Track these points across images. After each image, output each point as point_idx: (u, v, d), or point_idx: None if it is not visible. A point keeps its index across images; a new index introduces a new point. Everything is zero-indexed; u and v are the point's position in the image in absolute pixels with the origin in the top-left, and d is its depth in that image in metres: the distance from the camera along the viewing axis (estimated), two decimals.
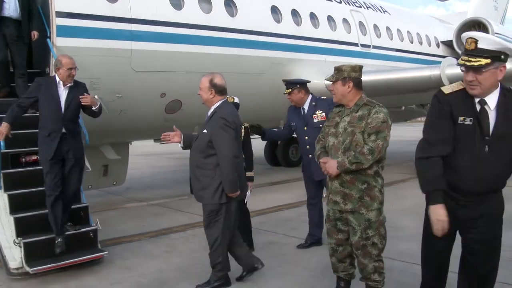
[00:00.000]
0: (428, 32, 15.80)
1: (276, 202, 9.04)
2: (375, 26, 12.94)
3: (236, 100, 5.84)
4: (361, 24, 12.40)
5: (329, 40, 11.07)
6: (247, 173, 6.06)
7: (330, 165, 3.80)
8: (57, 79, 5.28)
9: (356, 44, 12.02)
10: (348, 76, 3.90)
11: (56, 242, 5.12)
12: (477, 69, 2.84)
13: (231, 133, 4.40)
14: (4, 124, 5.13)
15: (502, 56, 2.83)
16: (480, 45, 2.82)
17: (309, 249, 5.95)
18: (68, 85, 5.31)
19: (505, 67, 2.88)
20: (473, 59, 2.83)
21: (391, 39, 13.55)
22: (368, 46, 12.45)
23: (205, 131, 4.46)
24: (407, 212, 7.60)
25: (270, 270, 5.19)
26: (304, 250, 5.93)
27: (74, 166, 5.32)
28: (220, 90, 4.55)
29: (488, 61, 2.81)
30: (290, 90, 5.88)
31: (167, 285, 4.88)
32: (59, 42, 6.81)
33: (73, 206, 5.56)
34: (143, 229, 7.25)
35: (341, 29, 11.69)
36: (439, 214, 3.00)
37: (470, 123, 2.94)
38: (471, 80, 2.89)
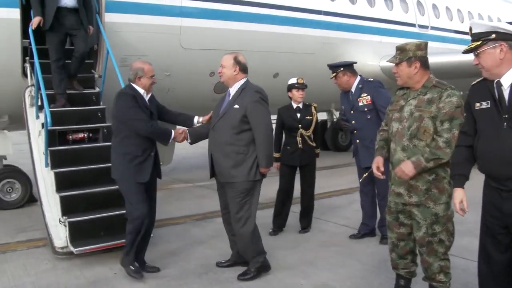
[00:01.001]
0: (490, 13, 14.87)
1: (325, 188, 8.66)
2: (434, 6, 12.23)
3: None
4: (419, 3, 11.73)
5: (385, 20, 10.52)
6: (315, 151, 6.10)
7: (406, 167, 3.38)
8: (140, 89, 4.54)
9: (413, 25, 11.40)
10: (414, 55, 3.48)
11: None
12: (475, 53, 2.95)
13: (267, 107, 4.35)
14: None
15: (493, 36, 2.85)
16: (474, 31, 2.94)
17: (362, 240, 5.61)
18: (149, 95, 4.67)
19: (503, 45, 2.85)
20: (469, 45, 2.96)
21: (451, 20, 12.78)
22: (426, 27, 11.79)
23: (236, 106, 4.31)
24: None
25: (320, 260, 4.91)
26: (357, 241, 5.59)
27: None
28: (244, 68, 4.46)
29: (478, 43, 2.90)
30: (334, 74, 5.64)
31: (213, 271, 4.68)
32: (107, 18, 6.67)
33: (117, 187, 5.42)
34: (188, 211, 7.11)
35: (398, 9, 11.09)
36: (455, 196, 3.06)
37: (488, 106, 2.93)
38: (476, 64, 2.99)
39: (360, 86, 5.55)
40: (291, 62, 9.06)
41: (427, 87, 3.49)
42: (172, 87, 7.80)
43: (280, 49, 8.84)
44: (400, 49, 3.56)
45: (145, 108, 4.50)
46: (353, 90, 5.59)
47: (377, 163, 3.73)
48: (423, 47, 3.54)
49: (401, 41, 10.93)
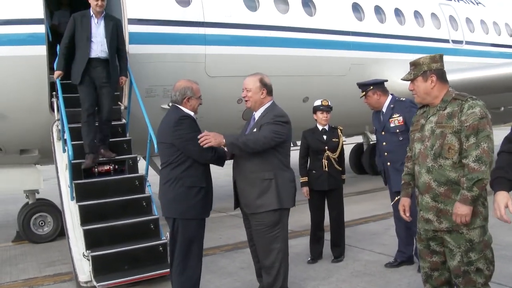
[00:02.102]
0: None
1: (362, 214, 8.39)
2: (468, 20, 11.86)
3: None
4: (451, 18, 11.41)
5: (417, 37, 10.24)
6: (342, 176, 5.88)
7: (458, 210, 3.04)
8: (189, 112, 4.13)
9: (446, 41, 11.06)
10: (429, 69, 3.25)
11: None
12: None
13: (281, 127, 3.99)
14: None
15: None
16: None
17: (399, 269, 5.27)
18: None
19: None
20: None
21: (487, 33, 12.35)
22: (461, 42, 11.42)
23: (255, 130, 4.06)
24: None
25: None
26: (393, 270, 5.27)
27: None
28: (270, 90, 4.20)
29: None
30: (364, 92, 5.41)
31: None
32: (132, 50, 6.70)
33: (143, 218, 5.34)
34: (219, 242, 6.95)
35: (430, 25, 10.80)
36: (498, 200, 2.80)
37: None
38: None
39: (391, 106, 5.31)
40: (320, 85, 8.89)
41: (446, 101, 3.23)
42: (200, 115, 7.69)
43: (308, 73, 8.69)
44: (414, 64, 3.33)
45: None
46: (384, 110, 5.36)
47: (403, 205, 3.49)
48: (438, 59, 3.31)
49: None
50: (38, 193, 7.72)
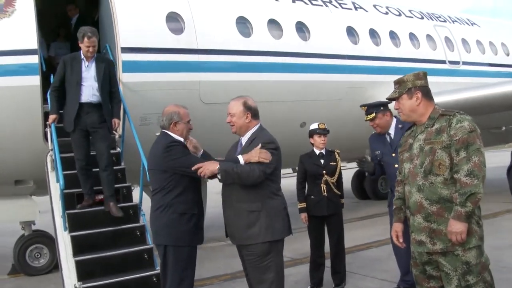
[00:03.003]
0: None
1: (363, 239, 8.24)
2: (464, 41, 11.89)
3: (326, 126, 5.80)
4: (447, 39, 11.44)
5: (413, 59, 10.24)
6: (341, 200, 5.78)
7: (453, 227, 2.94)
8: (177, 137, 4.04)
9: (443, 62, 11.06)
10: (413, 86, 3.21)
11: None
12: None
13: (271, 155, 3.77)
14: None
15: None
16: None
17: None
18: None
19: None
20: None
21: (483, 53, 12.37)
22: (457, 63, 11.42)
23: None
24: None
25: None
26: None
27: None
28: (255, 113, 3.97)
29: None
30: (373, 114, 5.17)
31: None
32: (125, 78, 6.71)
33: (137, 248, 5.24)
34: (217, 272, 6.81)
35: (425, 46, 10.83)
36: None
37: None
38: None
39: (400, 126, 5.15)
40: (317, 110, 8.85)
41: (433, 118, 3.18)
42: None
43: (305, 98, 8.66)
44: (398, 82, 3.30)
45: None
46: (392, 131, 5.21)
47: (396, 231, 3.40)
48: (422, 76, 3.27)
49: (431, 79, 10.59)
50: (34, 224, 7.63)
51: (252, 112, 3.95)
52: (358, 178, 13.85)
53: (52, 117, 5.84)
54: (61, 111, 5.92)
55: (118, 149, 6.62)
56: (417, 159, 3.17)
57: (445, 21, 12.03)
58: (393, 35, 10.27)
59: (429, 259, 3.17)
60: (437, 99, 8.84)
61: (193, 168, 3.70)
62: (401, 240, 3.40)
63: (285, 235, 3.88)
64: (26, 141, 6.42)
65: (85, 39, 5.69)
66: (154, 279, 5.01)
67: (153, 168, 4.01)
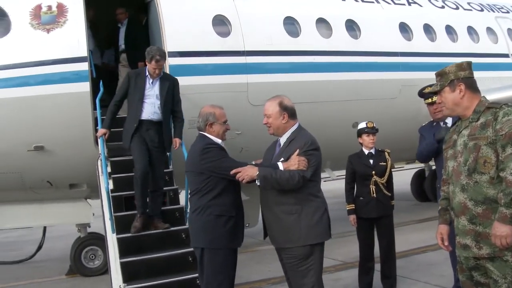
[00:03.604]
0: None
1: (420, 243, 7.89)
2: None
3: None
4: (510, 31, 10.79)
5: (472, 53, 9.70)
6: (392, 201, 5.58)
7: (497, 230, 2.71)
8: (214, 138, 3.95)
9: (506, 55, 10.44)
10: (456, 77, 2.99)
11: None
12: None
13: (313, 157, 3.69)
14: None
15: None
16: None
17: None
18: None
19: None
20: None
21: None
22: None
23: (282, 159, 3.72)
24: None
25: None
26: None
27: None
28: (293, 113, 3.85)
29: None
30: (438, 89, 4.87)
31: None
32: None
33: (181, 251, 5.28)
34: (267, 274, 6.74)
35: (486, 40, 10.26)
36: None
37: None
38: None
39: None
40: (370, 109, 8.57)
41: (479, 111, 2.93)
42: (245, 146, 7.65)
43: (356, 97, 8.43)
44: (440, 74, 3.08)
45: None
46: (448, 120, 4.91)
47: (441, 233, 3.17)
48: (466, 67, 3.04)
49: (492, 74, 10.04)
50: (89, 227, 7.86)
51: (289, 112, 3.84)
52: (418, 179, 13.32)
53: (101, 131, 5.84)
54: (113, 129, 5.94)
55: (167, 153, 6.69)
56: (461, 157, 2.94)
57: (508, 12, 11.35)
58: (449, 30, 9.80)
59: (476, 264, 2.93)
60: (498, 95, 8.35)
61: (231, 172, 3.67)
62: (446, 243, 3.17)
63: (325, 239, 3.77)
64: (78, 146, 6.60)
65: (153, 61, 5.68)
66: (198, 281, 4.96)
67: (190, 170, 3.98)
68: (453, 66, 3.06)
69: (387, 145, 9.38)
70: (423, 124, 5.30)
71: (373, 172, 5.44)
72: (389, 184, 5.57)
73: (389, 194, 5.52)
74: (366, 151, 5.58)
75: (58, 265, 8.38)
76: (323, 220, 3.77)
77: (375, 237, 5.62)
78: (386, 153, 5.62)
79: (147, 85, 5.79)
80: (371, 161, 5.51)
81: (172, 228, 5.54)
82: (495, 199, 2.79)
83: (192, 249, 5.20)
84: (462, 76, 3.00)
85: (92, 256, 7.51)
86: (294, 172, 3.59)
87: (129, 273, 5.01)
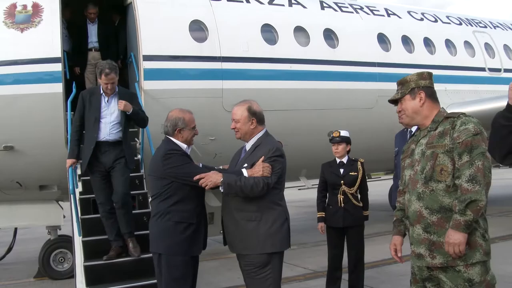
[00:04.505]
0: None
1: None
2: (506, 47, 11.35)
3: (344, 133, 5.56)
4: (487, 45, 10.95)
5: (449, 66, 9.85)
6: (364, 212, 5.52)
7: (451, 237, 2.71)
8: (181, 144, 3.89)
9: (482, 69, 10.58)
10: (417, 86, 3.00)
11: None
12: None
13: (277, 163, 3.67)
14: None
15: None
16: None
17: None
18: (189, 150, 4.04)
19: None
20: None
21: None
22: (499, 70, 10.90)
23: (246, 165, 3.68)
24: None
25: None
26: None
27: None
28: (261, 119, 3.81)
29: None
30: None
31: None
32: (146, 86, 6.75)
33: (146, 256, 5.19)
34: (236, 282, 6.68)
35: (463, 53, 10.39)
36: None
37: None
38: None
39: None
40: (347, 118, 8.63)
41: (437, 121, 2.94)
42: (219, 151, 7.64)
43: (333, 106, 8.48)
44: (401, 83, 3.08)
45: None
46: (414, 128, 4.94)
47: (394, 244, 3.15)
48: (427, 76, 3.06)
49: (469, 87, 10.11)
50: (60, 229, 7.77)
51: (258, 117, 3.80)
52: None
53: (69, 161, 5.43)
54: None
55: (139, 156, 6.65)
56: (418, 165, 2.94)
57: (485, 26, 11.52)
58: (427, 42, 9.92)
59: (429, 275, 2.92)
60: (474, 108, 8.40)
61: (195, 178, 3.60)
62: (399, 255, 3.16)
63: (284, 248, 3.72)
64: (49, 147, 6.55)
65: (103, 76, 5.30)
66: None
67: (152, 175, 3.91)
68: (414, 75, 3.08)
69: (364, 155, 9.45)
70: (397, 133, 5.30)
71: (342, 181, 5.40)
72: (363, 194, 5.54)
73: (360, 205, 5.48)
74: (338, 160, 5.54)
75: (28, 267, 8.29)
76: (283, 229, 3.71)
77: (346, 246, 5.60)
78: (359, 163, 5.55)
79: (103, 104, 5.42)
80: (342, 170, 5.46)
81: (139, 232, 5.45)
82: (450, 208, 2.79)
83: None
84: (422, 84, 3.02)
85: (62, 259, 7.42)
86: (259, 179, 3.55)
87: (93, 277, 4.94)
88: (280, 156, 3.72)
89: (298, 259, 7.61)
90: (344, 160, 5.53)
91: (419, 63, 9.45)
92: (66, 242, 7.48)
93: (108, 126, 5.40)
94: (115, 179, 5.34)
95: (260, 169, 3.58)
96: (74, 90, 6.48)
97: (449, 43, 10.28)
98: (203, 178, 3.59)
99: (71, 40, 7.73)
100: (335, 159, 5.58)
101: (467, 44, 10.64)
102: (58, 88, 6.43)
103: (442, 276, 2.84)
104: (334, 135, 5.52)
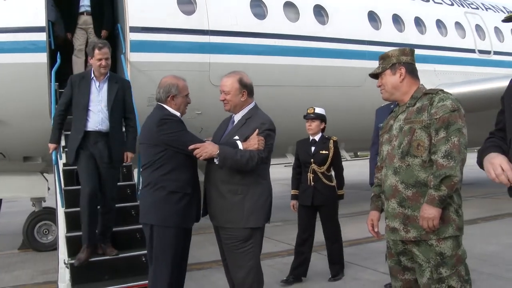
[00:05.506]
0: None
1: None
2: (497, 29, 11.33)
3: (319, 110, 5.40)
4: (478, 27, 10.92)
5: (439, 47, 9.82)
6: (338, 191, 5.46)
7: (425, 212, 2.73)
8: (174, 111, 3.75)
9: (472, 51, 10.57)
10: (398, 61, 3.00)
11: None
12: None
13: (270, 138, 3.63)
14: None
15: None
16: None
17: None
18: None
19: None
20: None
21: None
22: (488, 52, 10.90)
23: (237, 137, 3.61)
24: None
25: None
26: None
27: None
28: (251, 91, 3.74)
29: None
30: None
31: None
32: (132, 58, 6.67)
33: (128, 227, 5.20)
34: (219, 256, 6.72)
35: (453, 34, 10.36)
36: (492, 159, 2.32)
37: None
38: None
39: None
40: (334, 96, 8.63)
41: (416, 97, 2.95)
42: (205, 126, 7.59)
43: (321, 83, 8.44)
44: (382, 58, 3.08)
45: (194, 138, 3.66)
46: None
47: (371, 219, 3.16)
48: (408, 52, 3.06)
49: (458, 69, 10.10)
50: (44, 201, 7.76)
51: (248, 89, 3.72)
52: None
53: (51, 146, 5.10)
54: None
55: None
56: (396, 140, 2.95)
57: (477, 8, 11.48)
58: (418, 22, 9.87)
59: (404, 249, 2.94)
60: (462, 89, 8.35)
61: (189, 148, 3.50)
62: (376, 230, 3.18)
63: (263, 224, 3.69)
64: (33, 118, 6.48)
65: (96, 50, 4.89)
66: (143, 259, 4.93)
67: (144, 142, 3.76)
68: (396, 50, 3.08)
69: (351, 134, 9.46)
70: (378, 108, 5.27)
71: (312, 160, 5.32)
72: (337, 173, 5.47)
73: (332, 184, 5.38)
74: (310, 138, 5.45)
75: (12, 239, 8.30)
76: (267, 204, 3.69)
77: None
78: (331, 141, 5.42)
79: (93, 89, 4.97)
80: (313, 148, 5.37)
81: (122, 205, 5.42)
82: (425, 183, 2.80)
83: (140, 226, 5.14)
84: (404, 60, 3.02)
85: (46, 231, 7.44)
86: (254, 152, 3.49)
87: (74, 248, 4.91)
88: (273, 130, 3.68)
89: (282, 235, 7.66)
90: (317, 138, 5.42)
91: (409, 43, 9.40)
92: (50, 214, 7.48)
93: (99, 114, 4.92)
94: (104, 182, 4.91)
95: (256, 142, 3.51)
96: (58, 60, 6.38)
97: (440, 24, 10.24)
98: (199, 148, 3.49)
99: (61, 5, 7.49)
100: (309, 136, 5.49)
101: (458, 25, 10.60)
102: (42, 58, 6.32)
103: (415, 250, 2.86)
104: (308, 111, 5.40)
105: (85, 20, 7.28)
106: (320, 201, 5.31)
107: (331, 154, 5.35)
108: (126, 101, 5.14)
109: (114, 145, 4.98)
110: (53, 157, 5.12)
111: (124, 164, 5.30)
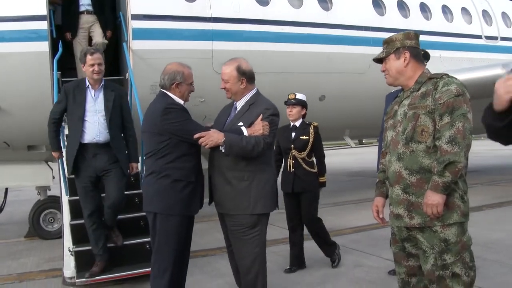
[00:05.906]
0: None
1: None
2: (504, 15, 11.18)
3: (300, 96, 5.34)
4: (485, 13, 10.78)
5: (444, 33, 9.71)
6: (320, 179, 5.38)
7: (429, 198, 2.70)
8: (178, 99, 3.72)
9: (479, 37, 10.45)
10: (402, 45, 2.94)
11: None
12: None
13: (275, 124, 3.62)
14: None
15: None
16: None
17: None
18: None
19: None
20: None
21: None
22: (495, 38, 10.77)
23: (241, 123, 3.60)
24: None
25: None
26: (395, 277, 4.90)
27: None
28: (251, 77, 3.68)
29: None
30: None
31: None
32: (135, 46, 6.64)
33: (132, 215, 5.21)
34: (223, 243, 6.74)
35: (459, 20, 10.24)
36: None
37: None
38: None
39: None
40: (338, 83, 8.57)
41: (420, 82, 2.90)
42: (208, 113, 7.55)
43: (325, 70, 8.38)
44: (387, 42, 3.03)
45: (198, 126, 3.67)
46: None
47: (376, 206, 3.14)
48: (413, 36, 3.00)
49: (464, 55, 9.99)
50: (49, 190, 7.78)
51: (247, 76, 3.69)
52: None
53: (55, 154, 5.08)
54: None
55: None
56: (400, 126, 2.91)
57: None
58: (424, 7, 9.76)
59: (408, 235, 2.93)
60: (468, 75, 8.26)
61: (195, 136, 3.49)
62: (381, 216, 3.16)
63: (272, 209, 3.70)
64: (36, 107, 6.46)
65: (88, 56, 4.75)
66: (148, 246, 4.95)
67: (148, 131, 3.73)
68: (400, 34, 3.01)
69: (355, 120, 9.40)
70: (388, 93, 5.20)
71: (292, 145, 5.27)
72: (319, 160, 5.38)
73: (313, 170, 5.31)
74: (291, 124, 5.40)
75: (19, 227, 8.37)
76: (273, 191, 3.69)
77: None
78: (311, 127, 5.35)
79: (89, 99, 4.79)
80: (293, 134, 5.32)
81: (126, 192, 5.38)
82: (429, 169, 2.78)
83: (144, 213, 5.14)
84: (408, 44, 2.97)
85: (51, 219, 7.48)
86: (259, 138, 3.48)
87: (79, 236, 4.94)
88: (277, 115, 3.67)
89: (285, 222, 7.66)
90: (297, 123, 5.36)
91: (414, 29, 9.25)
92: (55, 202, 7.51)
93: (96, 125, 4.76)
94: (110, 185, 4.81)
95: (261, 127, 3.50)
96: (60, 49, 6.36)
97: (445, 9, 10.12)
98: (204, 136, 3.48)
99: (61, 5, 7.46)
100: (290, 122, 5.44)
101: (464, 10, 10.47)
102: (44, 46, 6.30)
103: (420, 236, 2.85)
104: (289, 97, 5.34)
105: (87, 19, 7.26)
106: (300, 187, 5.24)
107: (311, 140, 5.29)
108: (123, 109, 5.02)
109: (117, 151, 4.86)
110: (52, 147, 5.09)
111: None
